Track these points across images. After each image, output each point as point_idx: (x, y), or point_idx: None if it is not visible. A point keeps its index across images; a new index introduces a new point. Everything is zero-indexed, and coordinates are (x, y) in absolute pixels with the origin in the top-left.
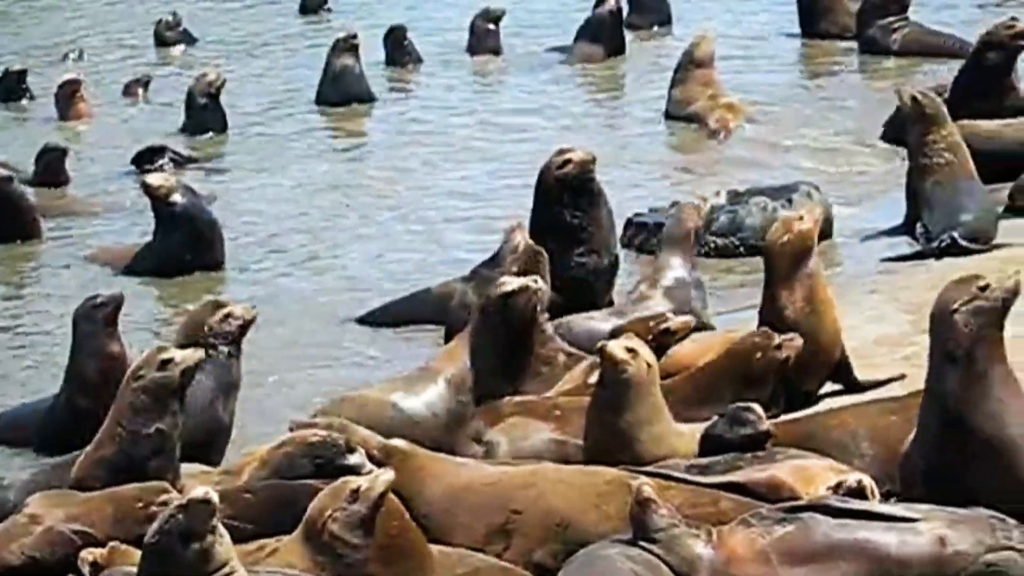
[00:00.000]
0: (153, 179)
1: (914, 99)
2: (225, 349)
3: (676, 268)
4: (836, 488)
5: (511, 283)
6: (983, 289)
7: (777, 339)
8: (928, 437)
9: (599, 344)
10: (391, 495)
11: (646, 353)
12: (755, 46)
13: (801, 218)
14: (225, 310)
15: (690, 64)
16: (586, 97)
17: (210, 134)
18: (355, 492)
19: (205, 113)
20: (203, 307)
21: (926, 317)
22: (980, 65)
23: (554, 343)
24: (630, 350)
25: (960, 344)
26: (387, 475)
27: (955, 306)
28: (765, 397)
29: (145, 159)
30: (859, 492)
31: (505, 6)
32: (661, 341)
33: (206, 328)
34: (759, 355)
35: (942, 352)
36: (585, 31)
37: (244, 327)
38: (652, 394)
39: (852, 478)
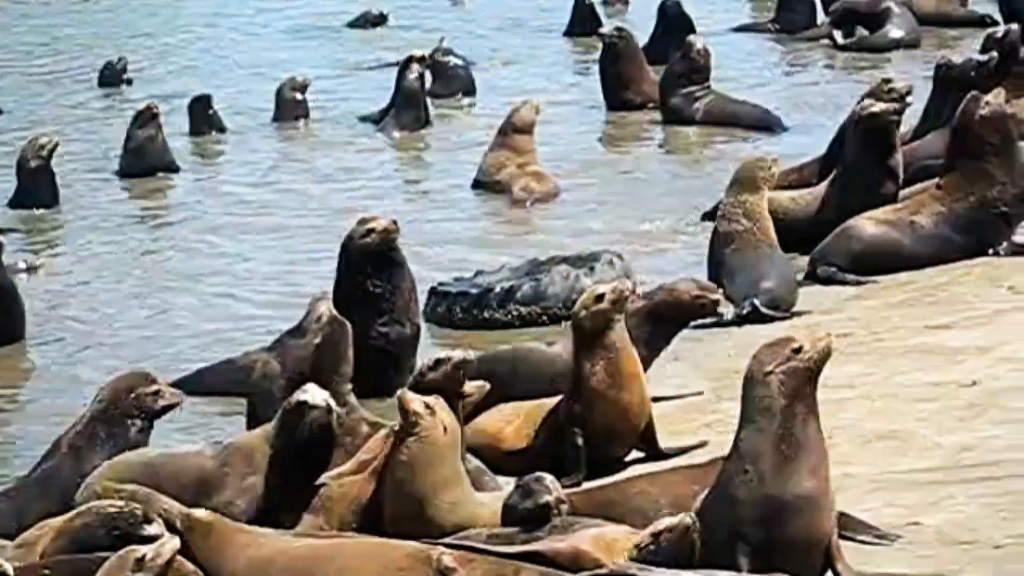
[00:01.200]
0: None
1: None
2: (139, 423)
3: None
4: (663, 532)
5: (308, 396)
6: (796, 351)
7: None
8: (730, 498)
9: (398, 392)
10: (192, 566)
11: (445, 416)
12: (560, 116)
13: (601, 296)
14: (156, 387)
15: (509, 130)
16: (392, 166)
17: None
18: (140, 561)
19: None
20: (135, 375)
21: (728, 384)
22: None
23: (357, 413)
24: (428, 406)
25: (773, 405)
26: (172, 543)
27: (769, 368)
28: None
29: None
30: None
31: (311, 74)
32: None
33: (132, 395)
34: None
35: (754, 413)
36: (393, 101)
37: (168, 408)
38: (450, 458)
39: (685, 518)
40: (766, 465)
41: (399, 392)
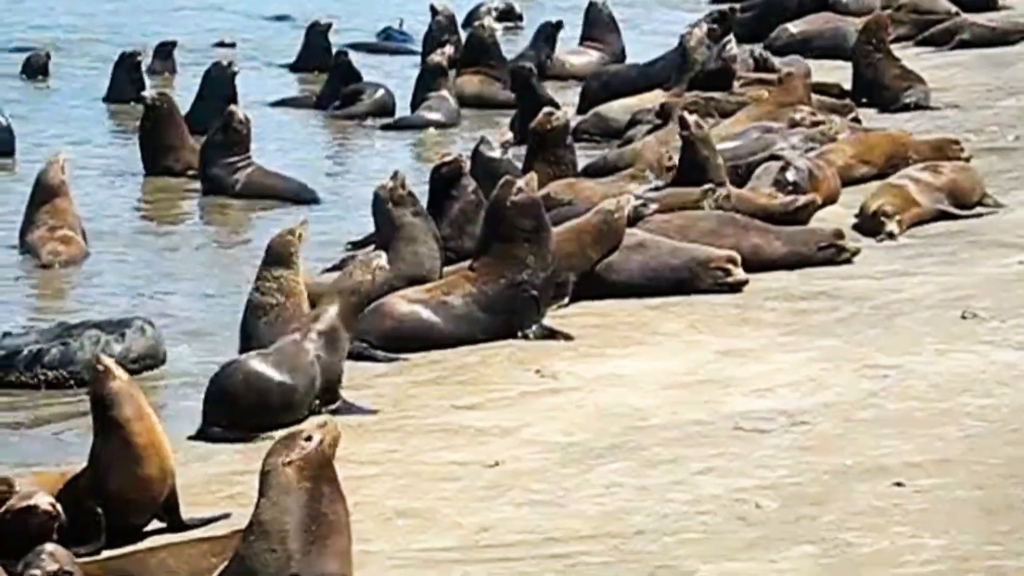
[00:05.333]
0: None
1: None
2: None
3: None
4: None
5: None
6: (308, 440)
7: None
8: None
9: None
10: None
11: None
12: (98, 180)
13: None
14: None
15: (41, 189)
16: None
17: None
18: None
19: None
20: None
21: (253, 456)
22: None
23: None
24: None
25: (296, 490)
26: None
27: (288, 459)
28: None
29: None
30: None
31: None
32: None
33: None
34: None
35: (279, 497)
36: None
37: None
38: None
39: None
40: (294, 545)
41: None
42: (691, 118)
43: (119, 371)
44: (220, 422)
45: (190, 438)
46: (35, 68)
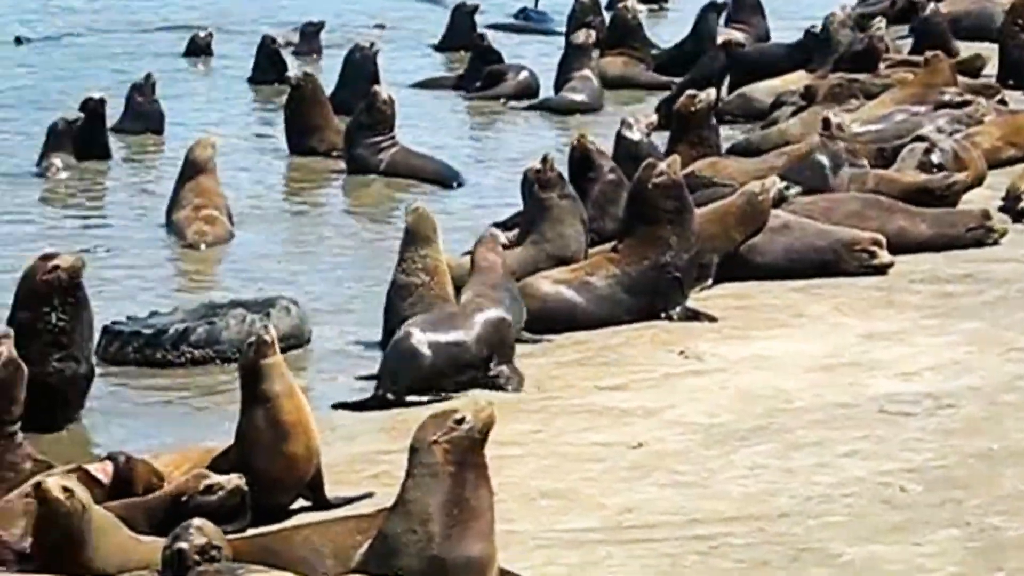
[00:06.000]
0: None
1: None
2: None
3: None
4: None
5: None
6: (459, 422)
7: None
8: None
9: (36, 480)
10: None
11: (81, 493)
12: (244, 160)
13: (251, 345)
14: None
15: (188, 169)
16: (72, 201)
17: None
18: None
19: None
20: None
21: (397, 436)
22: None
23: (22, 450)
24: (67, 489)
25: (440, 472)
26: None
27: (434, 437)
28: None
29: None
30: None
31: None
32: None
33: None
34: (185, 499)
35: (423, 477)
36: (48, 139)
37: None
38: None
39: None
40: (435, 527)
41: (40, 481)
42: (835, 120)
43: (276, 347)
44: (398, 386)
45: (351, 407)
46: (198, 48)
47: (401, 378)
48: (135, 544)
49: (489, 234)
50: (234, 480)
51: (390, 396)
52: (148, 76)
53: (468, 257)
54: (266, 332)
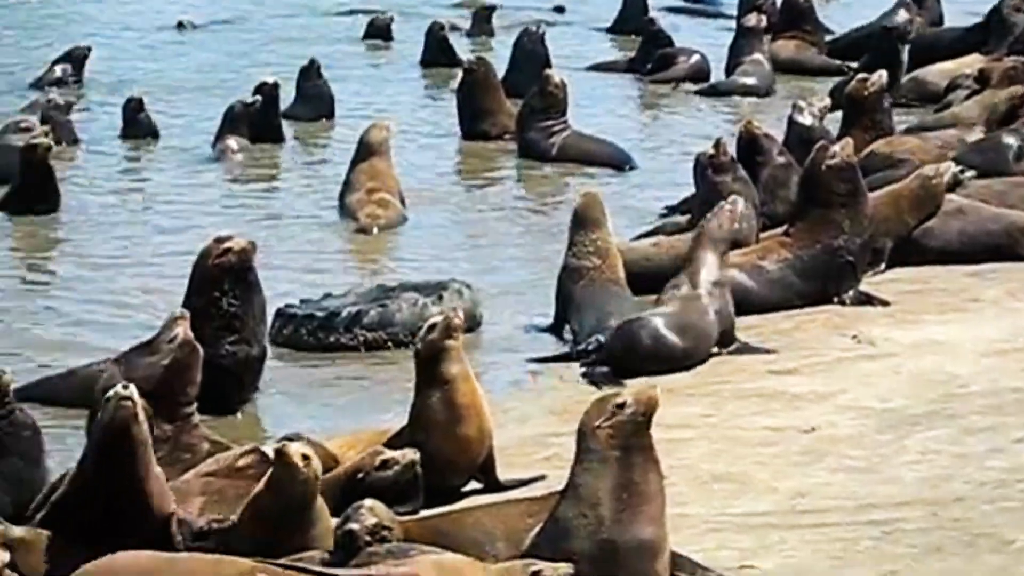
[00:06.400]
0: None
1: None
2: None
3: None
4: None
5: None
6: (620, 407)
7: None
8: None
9: (278, 444)
10: None
11: (316, 463)
12: (414, 145)
13: (433, 326)
14: None
15: (362, 152)
16: (245, 185)
17: None
18: None
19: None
20: None
21: (567, 419)
22: None
23: (198, 431)
24: (306, 456)
25: (608, 456)
26: (2, 556)
27: (597, 423)
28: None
29: None
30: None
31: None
32: None
33: None
34: (361, 475)
35: (591, 461)
36: (225, 122)
37: None
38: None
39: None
40: (605, 511)
41: (282, 444)
42: None
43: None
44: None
45: (549, 360)
46: (377, 31)
47: (625, 360)
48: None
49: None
50: (409, 455)
51: (602, 369)
52: (312, 61)
53: (638, 241)
54: (455, 315)
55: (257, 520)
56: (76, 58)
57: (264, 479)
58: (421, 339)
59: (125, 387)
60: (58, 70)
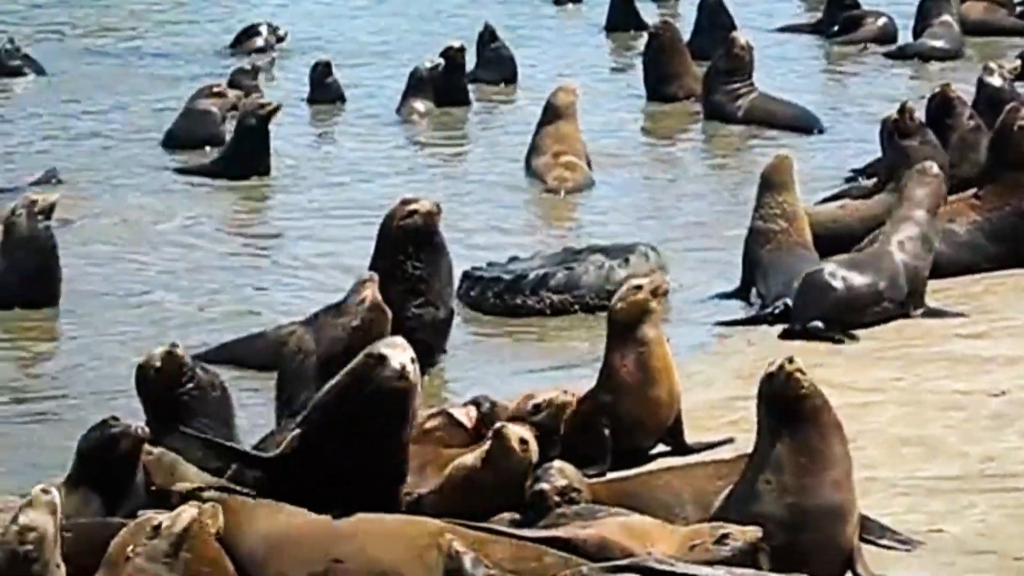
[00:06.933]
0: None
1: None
2: None
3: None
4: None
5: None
6: (772, 376)
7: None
8: (753, 500)
9: (499, 426)
10: (211, 540)
11: (534, 447)
12: (600, 108)
13: (639, 287)
14: None
15: (549, 115)
16: (432, 148)
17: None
18: (156, 528)
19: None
20: None
21: (754, 383)
22: None
23: None
24: (523, 441)
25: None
26: (190, 512)
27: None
28: None
29: None
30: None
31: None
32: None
33: None
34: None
35: (768, 427)
36: (410, 85)
37: None
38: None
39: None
40: (787, 477)
41: (502, 426)
42: None
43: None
44: (813, 319)
45: (739, 323)
46: None
47: (810, 310)
48: None
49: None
50: (561, 397)
51: (798, 327)
52: (486, 25)
53: (825, 204)
54: (663, 279)
55: (465, 492)
56: (271, 27)
57: (480, 456)
58: (622, 299)
59: (413, 361)
60: (261, 34)
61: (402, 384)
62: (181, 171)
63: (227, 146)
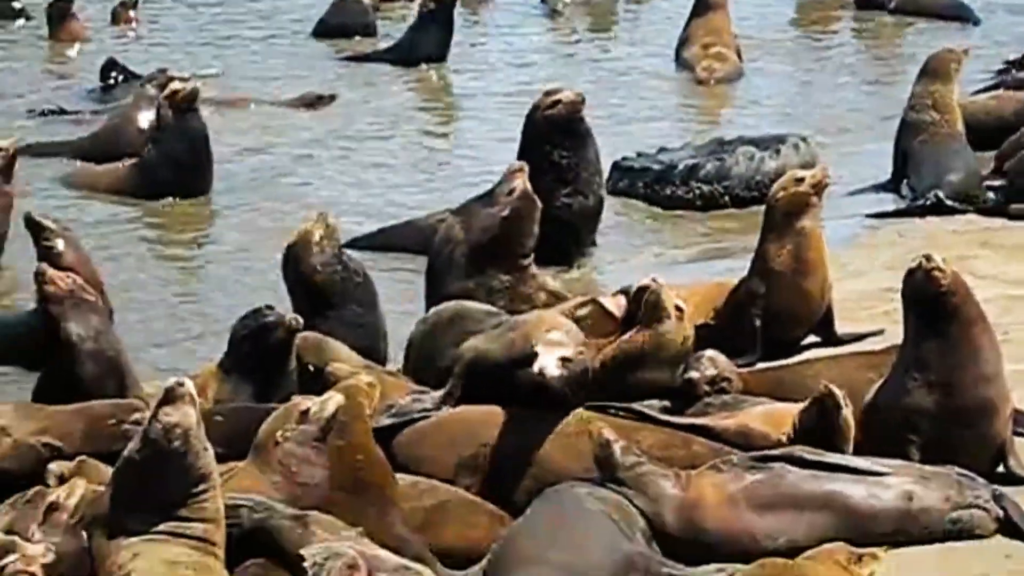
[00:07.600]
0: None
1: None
2: None
3: None
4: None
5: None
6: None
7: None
8: (904, 393)
9: (657, 289)
10: (364, 426)
11: (688, 327)
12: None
13: (801, 180)
14: None
15: (700, 7)
16: (579, 37)
17: None
18: (304, 413)
19: None
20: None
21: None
22: None
23: (535, 281)
24: (679, 308)
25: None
26: (337, 398)
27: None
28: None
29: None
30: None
31: None
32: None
33: None
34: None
35: (917, 325)
36: None
37: None
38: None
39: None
40: (934, 374)
41: (658, 289)
42: None
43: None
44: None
45: (886, 215)
46: None
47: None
48: None
49: None
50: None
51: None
52: None
53: (978, 96)
54: (825, 174)
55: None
56: None
57: (641, 330)
58: (783, 188)
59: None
60: None
61: None
62: (351, 59)
63: (407, 33)
